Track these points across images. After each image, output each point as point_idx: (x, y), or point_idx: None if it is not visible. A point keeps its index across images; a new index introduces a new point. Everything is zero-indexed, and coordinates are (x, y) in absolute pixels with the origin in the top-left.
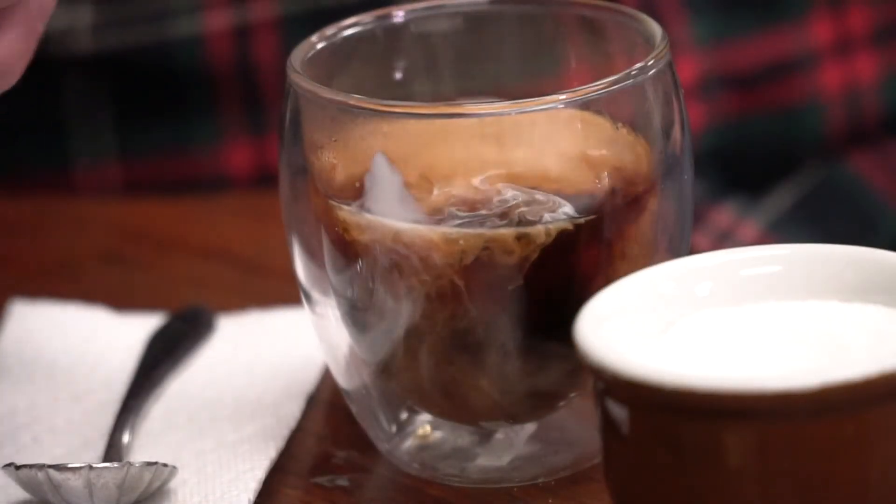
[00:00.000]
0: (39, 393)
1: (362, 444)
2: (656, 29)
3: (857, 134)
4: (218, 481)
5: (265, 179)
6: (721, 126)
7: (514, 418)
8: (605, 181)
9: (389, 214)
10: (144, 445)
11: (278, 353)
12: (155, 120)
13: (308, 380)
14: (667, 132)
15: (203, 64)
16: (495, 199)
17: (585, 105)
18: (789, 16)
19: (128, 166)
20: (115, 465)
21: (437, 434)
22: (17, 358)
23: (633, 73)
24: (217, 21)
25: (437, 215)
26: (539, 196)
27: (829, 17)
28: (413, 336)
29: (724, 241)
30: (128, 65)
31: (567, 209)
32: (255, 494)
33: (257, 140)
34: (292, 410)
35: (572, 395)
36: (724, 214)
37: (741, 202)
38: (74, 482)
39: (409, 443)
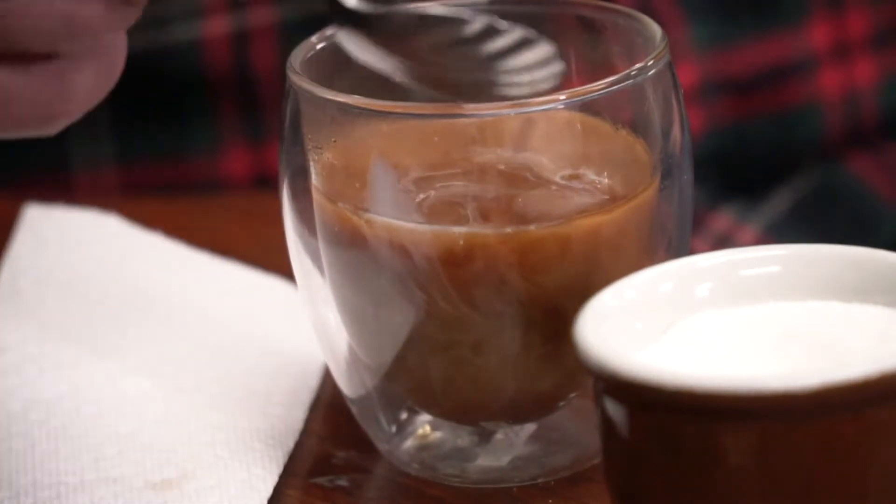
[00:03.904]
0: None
1: (362, 444)
2: (656, 29)
3: (855, 137)
4: (225, 488)
5: (263, 185)
6: (720, 131)
7: (514, 418)
8: (605, 181)
9: (389, 214)
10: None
11: (279, 353)
12: (152, 125)
13: (309, 382)
14: (666, 132)
15: (201, 70)
16: (495, 199)
17: (585, 105)
18: (788, 20)
19: (125, 171)
20: None
21: (437, 434)
22: (24, 284)
23: (633, 73)
24: (215, 27)
25: (436, 215)
26: (539, 196)
27: (828, 21)
28: (413, 336)
29: (723, 245)
30: (126, 70)
31: (567, 209)
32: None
33: (255, 146)
34: (296, 415)
35: (572, 395)
36: (723, 219)
37: (740, 207)
38: None
39: (409, 443)
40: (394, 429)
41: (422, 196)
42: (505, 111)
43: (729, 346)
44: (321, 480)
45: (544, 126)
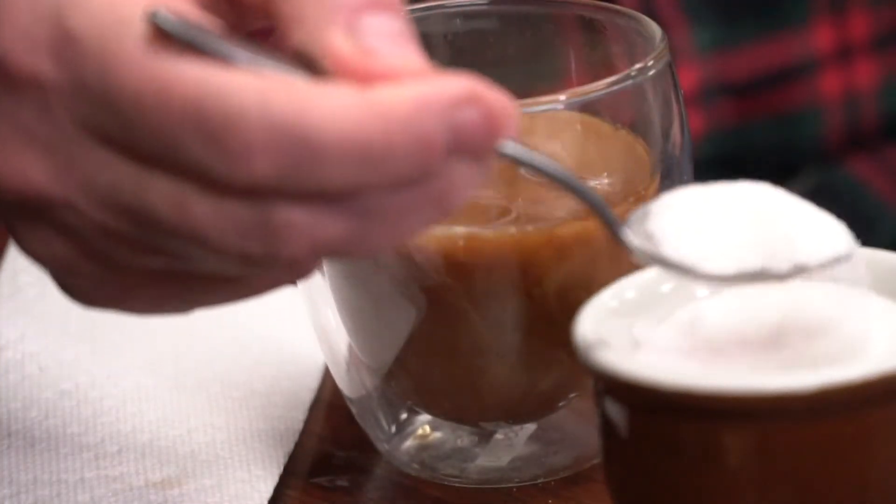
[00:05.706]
0: (49, 322)
1: (362, 444)
2: (655, 30)
3: (855, 139)
4: (225, 488)
5: None
6: (721, 133)
7: (514, 418)
8: (605, 182)
9: None
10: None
11: (279, 353)
12: None
13: (309, 382)
14: (666, 133)
15: None
16: (495, 199)
17: (585, 106)
18: (789, 23)
19: None
20: None
21: (437, 434)
22: (25, 281)
23: (633, 73)
24: None
25: None
26: (539, 197)
27: (831, 24)
28: (413, 337)
29: None
30: None
31: (567, 210)
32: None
33: None
34: (296, 415)
35: (572, 395)
36: None
37: None
38: None
39: (408, 443)
40: (394, 429)
41: None
42: None
43: (730, 340)
44: (321, 480)
45: (544, 126)
